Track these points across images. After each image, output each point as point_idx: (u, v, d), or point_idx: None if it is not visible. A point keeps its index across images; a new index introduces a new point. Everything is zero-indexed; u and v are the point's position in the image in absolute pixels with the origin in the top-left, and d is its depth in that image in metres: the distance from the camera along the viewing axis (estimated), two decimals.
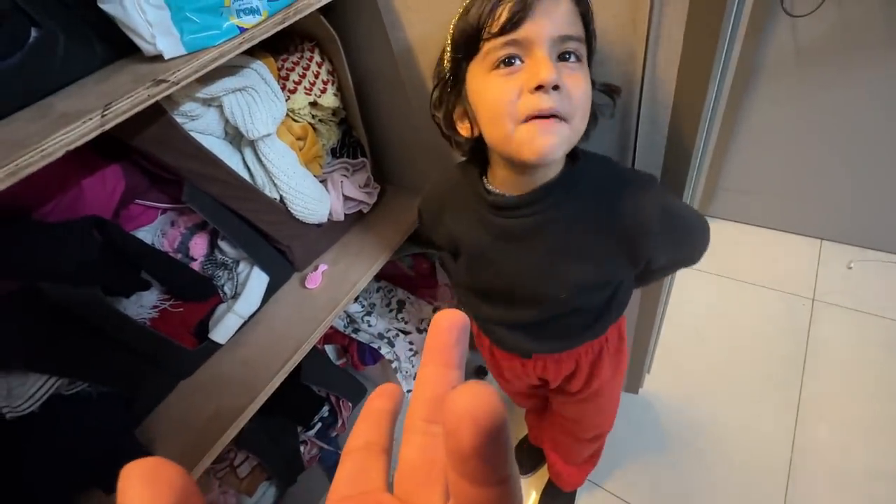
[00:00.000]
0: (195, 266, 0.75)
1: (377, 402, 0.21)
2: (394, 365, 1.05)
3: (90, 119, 0.43)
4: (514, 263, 0.58)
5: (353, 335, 1.06)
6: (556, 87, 0.44)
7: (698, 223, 0.59)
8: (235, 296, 0.78)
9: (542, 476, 1.19)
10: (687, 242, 0.59)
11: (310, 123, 0.79)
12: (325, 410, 1.06)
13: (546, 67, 0.43)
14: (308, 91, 0.75)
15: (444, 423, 0.13)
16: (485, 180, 0.57)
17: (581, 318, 0.64)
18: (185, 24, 0.49)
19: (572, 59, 0.46)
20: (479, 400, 0.12)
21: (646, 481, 1.15)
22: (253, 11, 0.54)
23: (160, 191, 0.73)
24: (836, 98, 1.22)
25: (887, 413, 1.14)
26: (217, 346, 0.77)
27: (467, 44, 0.48)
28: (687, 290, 1.48)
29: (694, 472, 1.14)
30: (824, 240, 1.54)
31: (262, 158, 0.70)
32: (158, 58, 0.49)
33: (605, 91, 0.55)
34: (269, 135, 0.69)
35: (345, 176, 0.88)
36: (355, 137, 0.89)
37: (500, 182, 0.55)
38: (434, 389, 0.19)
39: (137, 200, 0.71)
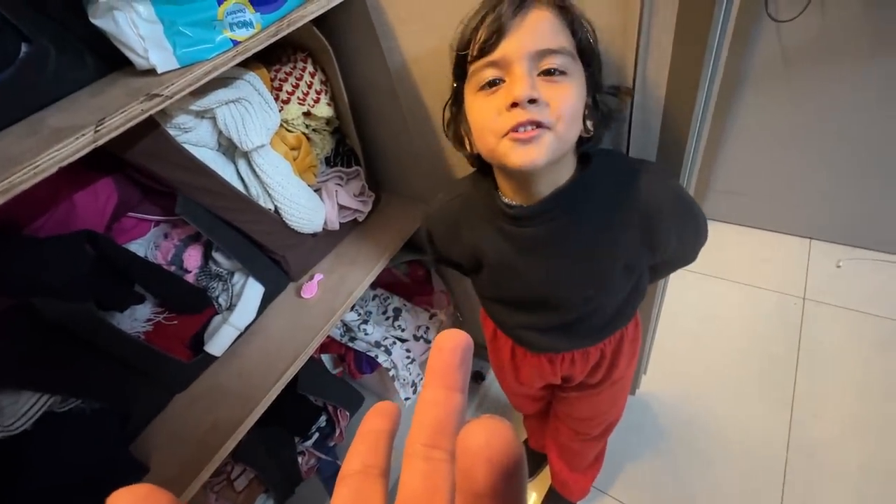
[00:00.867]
0: (189, 278, 0.74)
1: (374, 421, 0.20)
2: (391, 373, 1.05)
3: (83, 134, 0.42)
4: (543, 272, 0.58)
5: (350, 344, 1.05)
6: (533, 101, 0.44)
7: (702, 215, 0.60)
8: (230, 307, 0.78)
9: (542, 478, 1.19)
10: (693, 230, 0.60)
11: (304, 133, 0.79)
12: (322, 420, 1.05)
13: (520, 84, 0.44)
14: (301, 101, 0.75)
15: (457, 461, 0.12)
16: (499, 193, 0.57)
17: (612, 308, 0.64)
18: (177, 38, 0.49)
19: (556, 74, 0.46)
20: (495, 438, 0.12)
21: (646, 481, 1.16)
22: (246, 24, 0.54)
23: (153, 203, 0.72)
24: (821, 100, 1.25)
25: (879, 410, 1.16)
26: (213, 358, 0.76)
27: (458, 67, 0.50)
28: (680, 291, 1.49)
29: (693, 471, 1.15)
30: (813, 239, 1.56)
31: (257, 169, 0.70)
32: (151, 71, 0.49)
33: (614, 93, 0.55)
34: (263, 146, 0.68)
35: (339, 185, 0.88)
36: (349, 146, 0.89)
37: (511, 193, 0.56)
38: (437, 414, 0.18)
39: (130, 213, 0.70)
